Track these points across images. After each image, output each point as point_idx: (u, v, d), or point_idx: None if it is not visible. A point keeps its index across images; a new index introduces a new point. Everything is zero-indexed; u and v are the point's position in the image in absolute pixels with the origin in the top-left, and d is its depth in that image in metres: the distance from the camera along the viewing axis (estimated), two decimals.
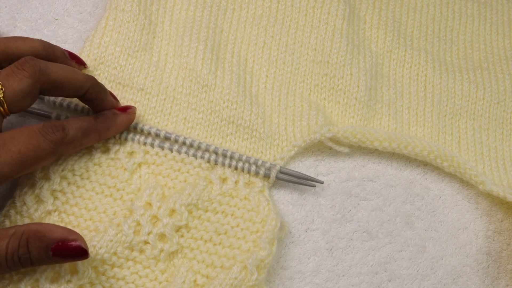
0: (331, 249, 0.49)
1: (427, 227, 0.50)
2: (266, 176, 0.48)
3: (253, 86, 0.52)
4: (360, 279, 0.48)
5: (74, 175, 0.45)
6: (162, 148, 0.47)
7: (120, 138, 0.47)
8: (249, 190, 0.47)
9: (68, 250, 0.38)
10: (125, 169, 0.46)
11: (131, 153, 0.47)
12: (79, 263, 0.41)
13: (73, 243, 0.38)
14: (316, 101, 0.53)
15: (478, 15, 0.61)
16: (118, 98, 0.49)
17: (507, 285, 0.49)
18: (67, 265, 0.41)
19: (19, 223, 0.43)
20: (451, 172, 0.51)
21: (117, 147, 0.47)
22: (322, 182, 0.49)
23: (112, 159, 0.47)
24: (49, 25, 0.53)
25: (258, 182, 0.47)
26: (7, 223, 0.43)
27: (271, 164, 0.48)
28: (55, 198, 0.45)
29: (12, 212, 0.44)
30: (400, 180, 0.52)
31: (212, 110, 0.50)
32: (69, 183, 0.45)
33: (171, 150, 0.47)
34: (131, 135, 0.47)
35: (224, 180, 0.47)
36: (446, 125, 0.54)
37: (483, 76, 0.57)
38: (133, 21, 0.51)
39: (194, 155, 0.47)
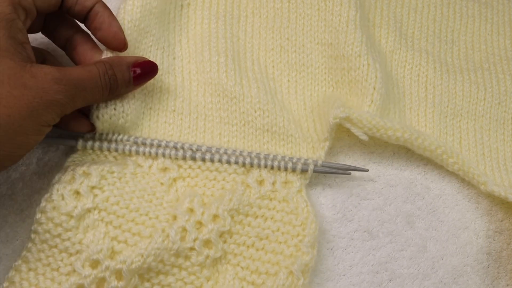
0: (331, 249, 0.49)
1: (428, 227, 0.50)
2: (304, 171, 0.47)
3: (278, 92, 0.52)
4: (360, 279, 0.48)
5: (113, 176, 0.44)
6: (195, 159, 0.47)
7: (150, 154, 0.47)
8: (287, 190, 0.47)
9: (143, 65, 0.46)
10: (161, 183, 0.46)
11: (165, 169, 0.47)
12: (125, 270, 0.41)
13: (144, 59, 0.46)
14: (338, 95, 0.52)
15: (479, 15, 0.61)
16: (152, 121, 0.49)
17: (507, 285, 0.49)
18: (113, 272, 0.41)
19: (56, 220, 0.42)
20: (455, 171, 0.51)
21: (149, 162, 0.47)
22: (367, 170, 0.49)
23: (147, 173, 0.46)
24: None
25: (296, 181, 0.47)
26: (43, 219, 0.42)
27: (305, 159, 0.48)
28: (95, 195, 0.43)
29: (49, 207, 0.42)
30: (401, 180, 0.52)
31: (245, 121, 0.50)
32: (108, 183, 0.44)
33: (203, 160, 0.47)
34: (161, 150, 0.47)
35: (261, 182, 0.47)
36: (447, 126, 0.54)
37: (484, 76, 0.57)
38: (154, 45, 0.50)
39: (228, 162, 0.47)
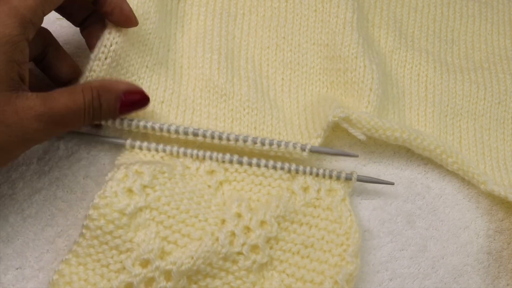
0: None
1: (428, 226, 0.51)
2: (348, 179, 0.47)
3: (270, 90, 0.52)
4: (361, 278, 0.48)
5: (164, 177, 0.44)
6: (241, 163, 0.47)
7: (198, 156, 0.47)
8: (331, 199, 0.47)
9: (134, 97, 0.43)
10: (209, 186, 0.46)
11: (211, 172, 0.47)
12: (175, 271, 0.41)
13: (137, 89, 0.43)
14: (334, 97, 0.52)
15: (479, 15, 0.61)
16: (140, 111, 0.48)
17: (507, 284, 0.49)
18: (162, 272, 0.41)
19: (109, 217, 0.41)
20: (454, 170, 0.51)
21: (197, 164, 0.47)
22: (357, 156, 0.49)
23: (195, 175, 0.46)
24: (52, 25, 0.53)
25: (340, 190, 0.47)
26: (96, 215, 0.42)
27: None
28: (147, 194, 0.43)
29: (102, 203, 0.42)
30: (401, 179, 0.52)
31: (233, 118, 0.50)
32: (160, 183, 0.44)
33: (250, 164, 0.47)
34: (208, 153, 0.47)
35: (306, 189, 0.47)
36: (447, 125, 0.54)
37: (484, 76, 0.57)
38: (153, 33, 0.50)
39: (274, 167, 0.47)
